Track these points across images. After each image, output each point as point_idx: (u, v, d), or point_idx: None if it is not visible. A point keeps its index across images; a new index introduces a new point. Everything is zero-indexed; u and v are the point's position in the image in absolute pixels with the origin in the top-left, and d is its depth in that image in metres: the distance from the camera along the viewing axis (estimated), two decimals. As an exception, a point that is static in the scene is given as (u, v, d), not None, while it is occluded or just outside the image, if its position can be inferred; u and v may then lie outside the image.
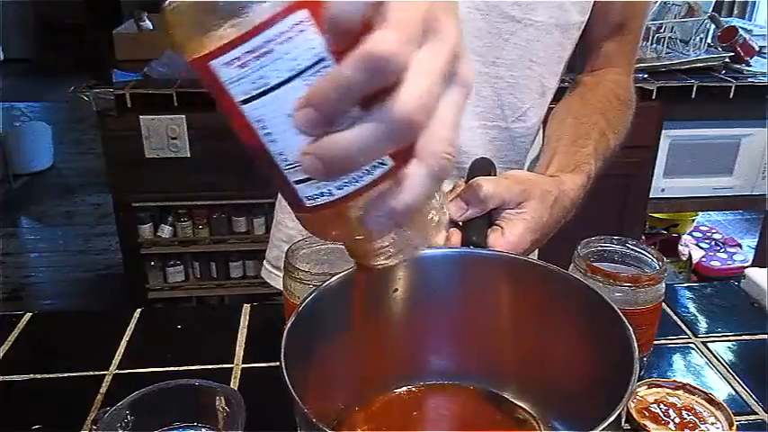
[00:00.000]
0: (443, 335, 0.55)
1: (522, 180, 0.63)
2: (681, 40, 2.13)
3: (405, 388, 0.54)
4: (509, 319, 0.54)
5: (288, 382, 0.39)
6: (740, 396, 0.70)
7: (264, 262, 0.99)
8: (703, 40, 2.12)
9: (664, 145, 2.05)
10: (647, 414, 0.65)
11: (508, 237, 0.59)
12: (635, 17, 0.85)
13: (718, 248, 2.75)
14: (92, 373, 0.72)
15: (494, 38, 0.76)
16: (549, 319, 0.51)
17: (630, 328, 0.44)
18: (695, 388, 0.68)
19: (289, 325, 0.44)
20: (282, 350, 0.41)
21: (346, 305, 0.46)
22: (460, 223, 0.60)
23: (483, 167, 0.65)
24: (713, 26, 2.16)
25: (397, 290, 0.52)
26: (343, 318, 0.46)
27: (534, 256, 0.72)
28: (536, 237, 0.61)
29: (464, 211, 0.59)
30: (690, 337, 0.80)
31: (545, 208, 0.63)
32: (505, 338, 0.54)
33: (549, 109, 0.85)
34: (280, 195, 0.63)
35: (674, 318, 0.84)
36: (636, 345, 0.43)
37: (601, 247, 0.74)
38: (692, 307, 0.86)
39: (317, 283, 0.51)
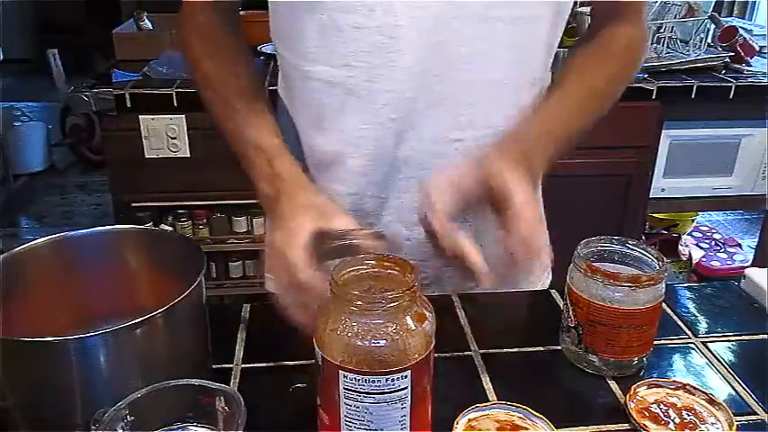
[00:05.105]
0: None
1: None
2: (681, 40, 2.13)
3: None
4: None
5: None
6: (740, 396, 0.70)
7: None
8: (703, 40, 2.12)
9: (664, 145, 2.05)
10: (647, 414, 0.65)
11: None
12: None
13: (718, 248, 2.75)
14: (92, 373, 0.71)
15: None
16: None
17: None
18: (695, 388, 0.68)
19: None
20: None
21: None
22: None
23: None
24: (713, 26, 2.16)
25: None
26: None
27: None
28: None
29: None
30: (690, 337, 0.80)
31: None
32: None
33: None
34: None
35: (674, 318, 0.84)
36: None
37: (601, 247, 0.74)
38: (692, 307, 0.86)
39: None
